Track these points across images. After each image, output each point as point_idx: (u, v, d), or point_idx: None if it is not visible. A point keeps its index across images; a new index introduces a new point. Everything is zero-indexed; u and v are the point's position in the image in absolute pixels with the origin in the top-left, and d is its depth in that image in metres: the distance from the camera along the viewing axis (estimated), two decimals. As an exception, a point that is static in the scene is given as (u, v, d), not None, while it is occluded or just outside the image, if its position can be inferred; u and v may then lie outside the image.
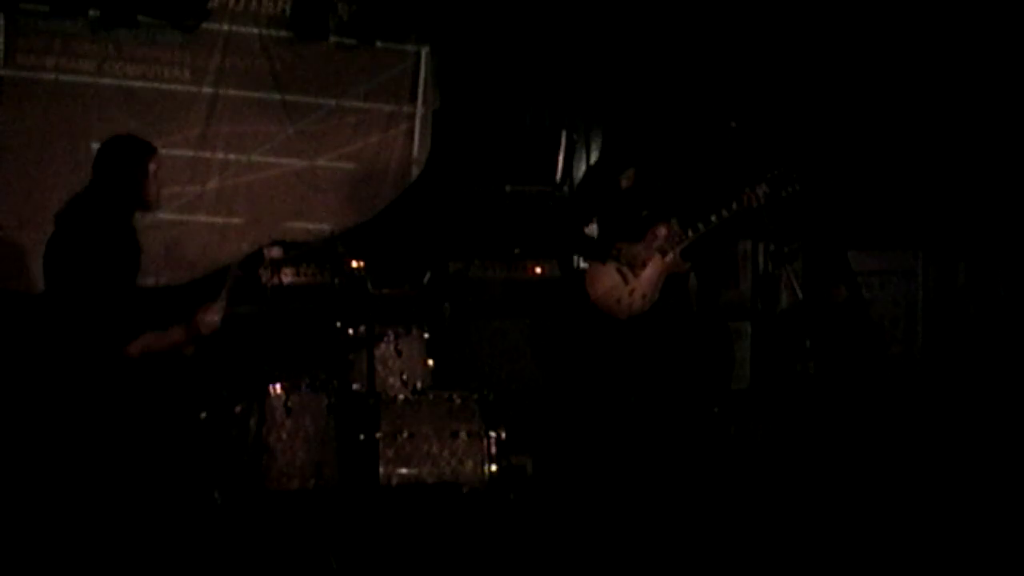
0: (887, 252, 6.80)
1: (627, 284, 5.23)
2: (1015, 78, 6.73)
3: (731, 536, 4.41)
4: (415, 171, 6.89)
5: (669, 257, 5.23)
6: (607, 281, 5.26)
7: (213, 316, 4.37)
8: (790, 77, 6.85)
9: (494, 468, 4.68)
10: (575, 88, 6.90)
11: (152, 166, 4.45)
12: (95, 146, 4.52)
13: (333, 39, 6.63)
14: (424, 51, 6.88)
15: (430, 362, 5.21)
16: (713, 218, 5.16)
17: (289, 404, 4.63)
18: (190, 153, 6.37)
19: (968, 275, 6.84)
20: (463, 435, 4.71)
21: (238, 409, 4.57)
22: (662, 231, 5.24)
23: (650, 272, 5.22)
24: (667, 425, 5.27)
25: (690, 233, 5.21)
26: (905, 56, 6.85)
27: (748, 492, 4.96)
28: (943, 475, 5.09)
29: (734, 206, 5.12)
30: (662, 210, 5.26)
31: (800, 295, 5.42)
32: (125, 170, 4.38)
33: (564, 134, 6.83)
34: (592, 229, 5.48)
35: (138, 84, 6.29)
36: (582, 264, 5.70)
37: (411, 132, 6.89)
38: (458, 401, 4.87)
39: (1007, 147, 6.81)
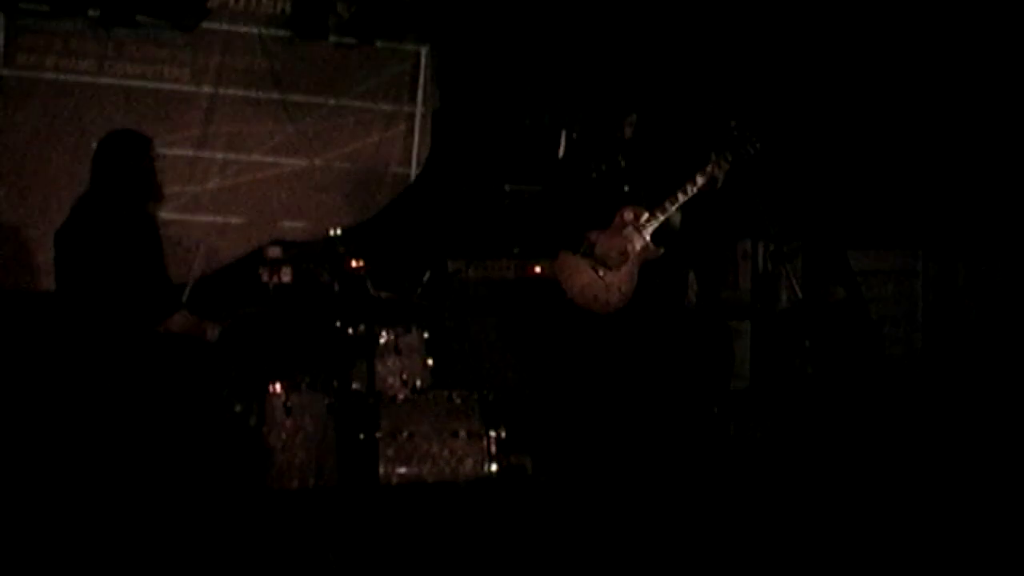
0: (887, 252, 6.80)
1: (603, 280, 5.17)
2: (1015, 78, 6.72)
3: (730, 536, 4.41)
4: (415, 171, 6.90)
5: (640, 244, 5.17)
6: (583, 278, 5.19)
7: (214, 331, 4.63)
8: (790, 77, 6.85)
9: (494, 467, 4.68)
10: (575, 88, 6.90)
11: (152, 156, 4.52)
12: (95, 145, 4.55)
13: (333, 39, 6.64)
14: (424, 51, 6.89)
15: (430, 362, 5.20)
16: (679, 194, 5.10)
17: (289, 404, 4.63)
18: (190, 153, 6.37)
19: (968, 275, 6.84)
20: (463, 435, 4.71)
21: (238, 409, 4.57)
22: (629, 214, 5.18)
23: (625, 266, 5.17)
24: (666, 425, 5.26)
25: (657, 213, 5.14)
26: (905, 56, 6.84)
27: (747, 492, 4.96)
28: (942, 475, 5.09)
29: (698, 179, 5.08)
30: (640, 192, 5.21)
31: (800, 295, 5.40)
32: (131, 164, 4.42)
33: (564, 134, 6.82)
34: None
35: (138, 84, 6.29)
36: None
37: (411, 132, 6.90)
38: (458, 401, 4.87)
39: (1007, 147, 6.81)
